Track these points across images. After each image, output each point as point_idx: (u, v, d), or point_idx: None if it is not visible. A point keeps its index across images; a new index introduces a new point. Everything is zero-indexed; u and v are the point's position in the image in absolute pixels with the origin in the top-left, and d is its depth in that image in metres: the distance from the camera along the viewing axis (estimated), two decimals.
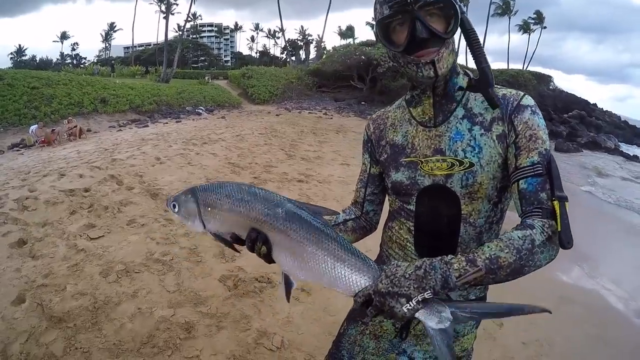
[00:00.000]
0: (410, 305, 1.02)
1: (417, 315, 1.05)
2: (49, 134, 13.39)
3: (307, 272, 1.18)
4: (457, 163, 1.28)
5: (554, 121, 33.57)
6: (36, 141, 13.25)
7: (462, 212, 1.31)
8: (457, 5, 1.20)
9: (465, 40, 1.27)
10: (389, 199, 1.57)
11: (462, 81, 1.34)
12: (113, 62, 45.78)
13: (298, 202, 1.23)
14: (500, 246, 1.07)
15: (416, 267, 1.06)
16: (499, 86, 1.32)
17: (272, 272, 4.08)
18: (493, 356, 3.45)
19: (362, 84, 34.38)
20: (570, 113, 35.72)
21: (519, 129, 1.23)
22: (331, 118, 24.12)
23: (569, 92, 40.28)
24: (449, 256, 1.08)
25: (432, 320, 1.06)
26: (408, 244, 1.44)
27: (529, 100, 1.26)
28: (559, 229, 1.08)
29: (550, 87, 39.30)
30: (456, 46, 1.32)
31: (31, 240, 4.33)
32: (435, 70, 1.22)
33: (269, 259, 1.21)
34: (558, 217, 1.09)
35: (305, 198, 6.93)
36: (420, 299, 1.02)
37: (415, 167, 1.37)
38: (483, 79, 1.25)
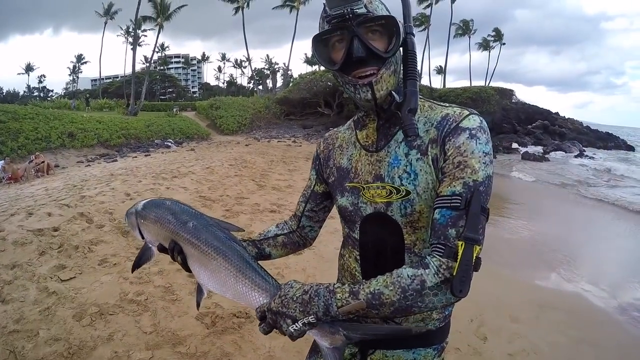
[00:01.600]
0: (296, 327, 1.05)
1: (310, 334, 1.11)
2: (16, 171, 13.18)
3: (214, 284, 1.24)
4: (395, 191, 1.21)
5: (519, 133, 34.82)
6: (3, 178, 13.00)
7: (406, 241, 1.24)
8: (400, 24, 1.15)
9: (403, 61, 1.21)
10: (340, 224, 1.51)
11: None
12: (88, 95, 46.05)
13: (211, 218, 1.31)
14: (387, 282, 1.05)
15: (303, 292, 1.08)
16: (445, 104, 1.25)
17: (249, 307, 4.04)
18: None
19: (330, 110, 34.88)
20: (534, 124, 37.09)
21: (449, 153, 1.13)
22: (300, 145, 24.39)
23: (531, 104, 41.61)
24: (337, 284, 1.08)
25: (326, 341, 1.12)
26: (356, 272, 1.40)
27: (471, 122, 1.14)
28: (454, 274, 1.00)
29: (513, 101, 40.37)
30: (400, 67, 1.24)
31: (0, 283, 4.23)
32: (373, 93, 1.16)
33: (186, 267, 1.27)
34: (459, 261, 1.00)
35: None
36: (305, 322, 1.05)
37: (358, 193, 1.32)
38: (404, 103, 1.16)
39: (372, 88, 1.15)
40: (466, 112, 1.16)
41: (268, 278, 1.19)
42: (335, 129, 1.54)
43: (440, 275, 1.02)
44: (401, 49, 1.21)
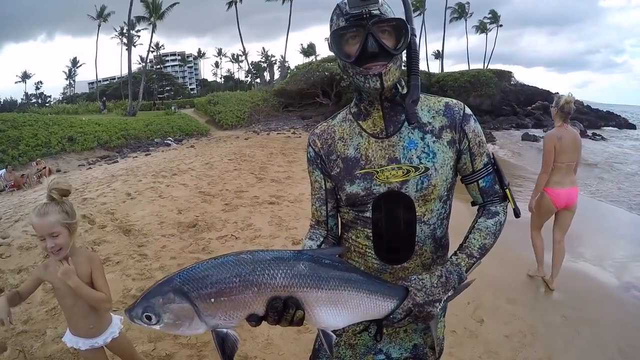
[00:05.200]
0: (441, 305, 1.29)
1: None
2: (18, 178, 13.33)
3: (345, 317, 1.19)
4: (413, 169, 1.37)
5: (519, 115, 34.50)
6: (6, 186, 13.14)
7: (417, 213, 1.40)
8: (408, 26, 1.30)
9: (407, 59, 1.38)
10: (340, 212, 1.59)
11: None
12: (104, 99, 46.56)
13: (303, 250, 1.21)
14: (483, 235, 1.42)
15: (438, 277, 1.31)
16: (434, 95, 1.51)
17: None
18: (477, 353, 3.51)
19: (328, 100, 34.74)
20: (534, 105, 36.73)
21: (470, 137, 1.43)
22: (299, 137, 24.30)
23: (530, 85, 41.40)
24: (454, 257, 1.38)
25: None
26: (368, 250, 1.48)
27: (469, 110, 1.47)
28: (514, 207, 1.46)
29: (512, 83, 39.94)
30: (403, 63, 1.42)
31: (7, 287, 4.34)
32: (382, 83, 1.29)
33: (301, 322, 1.16)
34: (511, 199, 1.46)
35: (278, 219, 7.04)
36: (445, 298, 1.30)
37: (371, 177, 1.40)
38: (408, 94, 1.33)
39: (382, 78, 1.29)
40: (461, 102, 1.48)
41: (390, 284, 1.32)
42: (324, 125, 1.59)
43: (505, 213, 1.48)
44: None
